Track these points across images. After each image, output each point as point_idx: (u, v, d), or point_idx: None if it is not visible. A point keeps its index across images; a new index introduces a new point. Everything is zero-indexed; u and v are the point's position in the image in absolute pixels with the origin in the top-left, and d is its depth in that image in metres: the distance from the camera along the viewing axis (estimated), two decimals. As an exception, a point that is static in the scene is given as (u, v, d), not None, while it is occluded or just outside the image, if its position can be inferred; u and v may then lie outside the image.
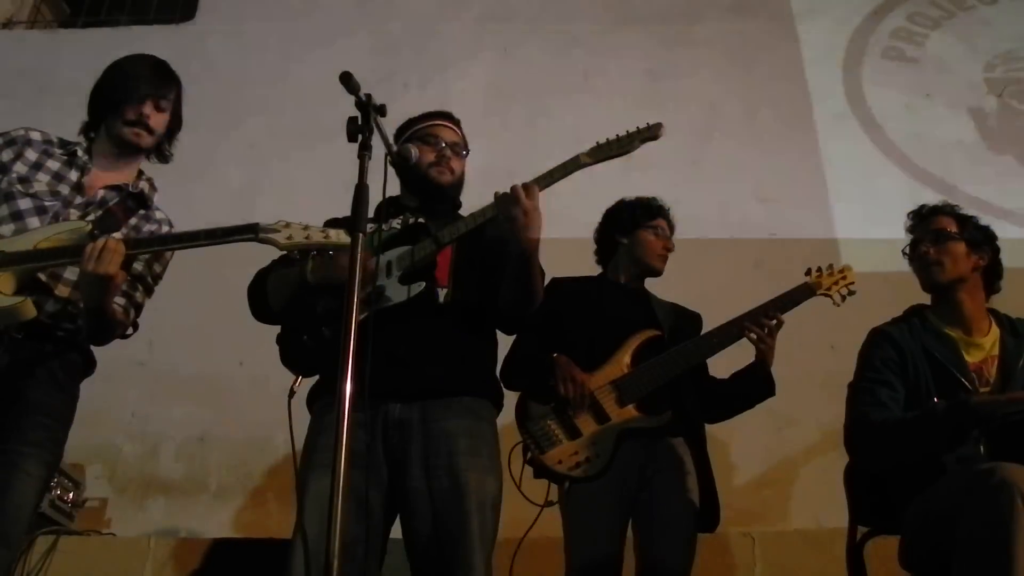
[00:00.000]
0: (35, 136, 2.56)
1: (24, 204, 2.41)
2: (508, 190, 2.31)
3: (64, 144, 2.58)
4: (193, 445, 4.77)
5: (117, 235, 2.45)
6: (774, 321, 2.97)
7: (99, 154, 2.59)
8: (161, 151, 2.70)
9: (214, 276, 4.69)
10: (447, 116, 2.74)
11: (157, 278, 2.65)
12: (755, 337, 2.96)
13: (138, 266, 2.52)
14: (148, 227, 2.61)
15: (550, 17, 6.27)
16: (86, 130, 2.63)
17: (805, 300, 3.09)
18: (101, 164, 2.58)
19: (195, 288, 4.93)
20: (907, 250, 2.81)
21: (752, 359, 3.03)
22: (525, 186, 2.29)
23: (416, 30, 6.21)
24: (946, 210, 2.81)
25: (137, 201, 2.60)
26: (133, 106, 2.53)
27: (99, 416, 4.62)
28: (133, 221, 2.58)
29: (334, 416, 1.74)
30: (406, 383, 2.32)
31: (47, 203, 2.43)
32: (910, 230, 2.83)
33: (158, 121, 2.60)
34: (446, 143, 2.64)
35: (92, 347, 2.55)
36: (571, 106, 5.68)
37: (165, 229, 2.65)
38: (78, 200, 2.49)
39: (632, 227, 3.27)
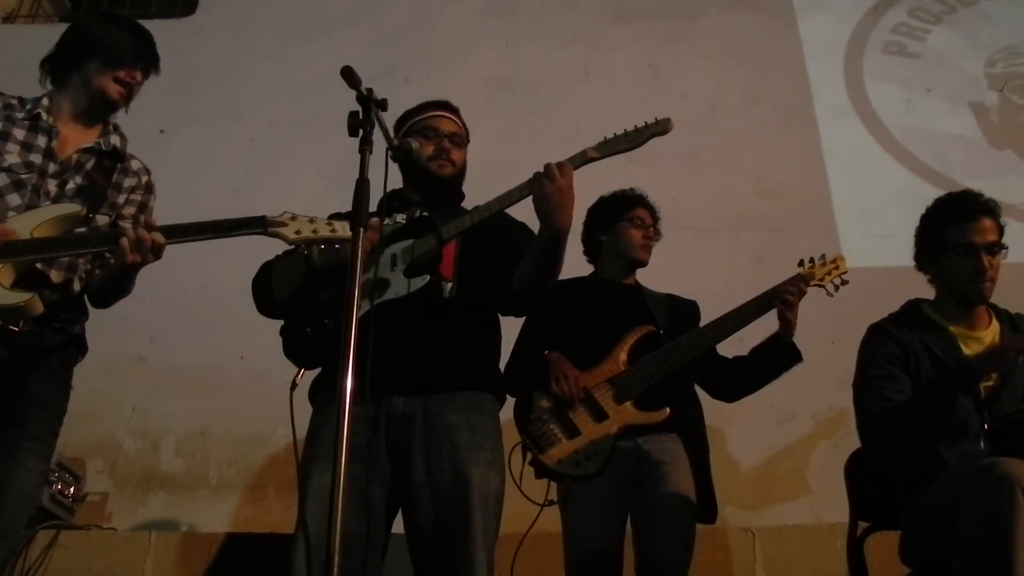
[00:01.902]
0: None
1: (0, 180, 2.37)
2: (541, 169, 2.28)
3: (23, 103, 2.51)
4: (194, 440, 4.78)
5: (105, 205, 2.49)
6: (798, 294, 2.99)
7: (66, 109, 2.53)
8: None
9: (214, 271, 4.71)
10: (445, 106, 2.70)
11: None
12: (785, 308, 2.97)
13: (127, 225, 2.50)
14: (128, 181, 2.59)
15: (551, 10, 6.26)
16: (54, 67, 2.57)
17: None
18: (66, 120, 2.52)
19: (196, 283, 4.95)
20: (954, 244, 2.65)
21: (752, 345, 3.06)
22: (559, 164, 2.27)
23: (417, 23, 6.21)
24: (992, 211, 2.66)
25: (111, 157, 2.57)
26: (130, 69, 2.51)
27: (100, 411, 4.63)
28: (114, 178, 2.55)
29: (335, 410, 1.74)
30: (408, 377, 2.31)
31: (23, 176, 2.38)
32: (953, 220, 2.67)
33: (136, 92, 2.58)
34: (445, 135, 2.61)
35: (89, 338, 2.55)
36: (572, 99, 5.68)
37: (144, 179, 2.64)
38: (52, 168, 2.43)
39: (611, 223, 3.28)
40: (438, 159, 2.58)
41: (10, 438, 2.29)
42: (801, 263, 3.15)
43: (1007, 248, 2.67)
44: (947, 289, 2.72)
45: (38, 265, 2.33)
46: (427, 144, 2.57)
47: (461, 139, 2.66)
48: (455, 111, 2.70)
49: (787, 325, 2.98)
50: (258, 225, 2.23)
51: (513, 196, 2.35)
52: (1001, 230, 2.66)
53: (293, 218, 2.22)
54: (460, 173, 2.65)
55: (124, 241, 2.22)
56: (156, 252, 2.25)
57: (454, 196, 2.66)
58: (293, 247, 2.26)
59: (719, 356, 3.17)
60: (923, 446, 2.49)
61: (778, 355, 3.05)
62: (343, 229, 2.19)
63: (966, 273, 2.64)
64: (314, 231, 2.20)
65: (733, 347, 3.11)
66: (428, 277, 2.38)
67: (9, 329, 2.28)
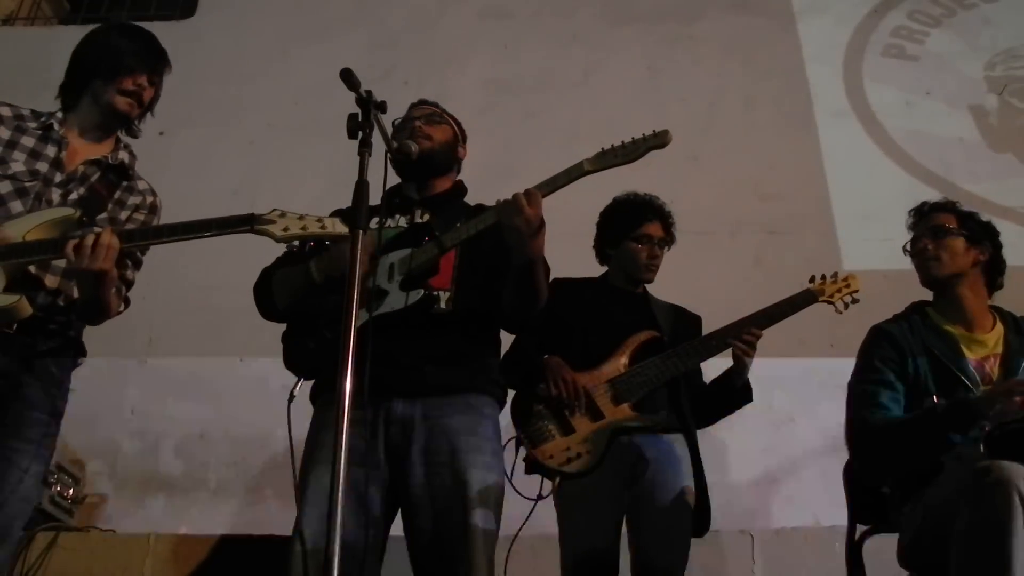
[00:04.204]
0: (5, 112, 2.48)
1: (3, 188, 2.35)
2: (510, 197, 2.26)
3: (36, 116, 2.51)
4: (193, 442, 4.77)
5: (104, 216, 2.45)
6: (754, 338, 2.96)
7: (78, 125, 2.53)
8: (131, 126, 2.63)
9: (214, 273, 4.71)
10: (422, 102, 2.73)
11: (145, 250, 2.59)
12: (742, 350, 2.96)
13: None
14: (132, 199, 2.57)
15: (550, 13, 6.26)
16: (66, 94, 2.56)
17: (806, 306, 3.09)
18: (79, 135, 2.52)
19: (195, 285, 4.95)
20: (908, 247, 2.81)
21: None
22: (527, 193, 2.25)
23: (416, 26, 6.20)
24: (947, 207, 2.82)
25: (118, 173, 2.56)
26: (132, 76, 2.49)
27: (99, 413, 4.63)
28: (117, 195, 2.53)
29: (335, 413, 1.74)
30: (407, 381, 2.31)
31: (27, 184, 2.38)
32: (911, 227, 2.84)
33: (148, 95, 2.55)
34: (416, 117, 2.63)
35: (88, 340, 2.53)
36: (570, 102, 5.68)
37: (150, 200, 2.61)
38: (58, 177, 2.43)
39: (618, 239, 3.26)
40: (413, 137, 2.56)
41: (6, 440, 2.28)
42: (812, 279, 3.15)
43: (965, 233, 2.73)
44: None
45: (32, 269, 2.32)
46: (404, 132, 2.59)
47: (437, 117, 2.66)
48: (433, 104, 2.72)
49: (739, 364, 2.99)
50: (246, 223, 2.20)
51: (490, 219, 2.33)
52: (961, 220, 2.76)
53: (282, 215, 2.19)
54: (442, 148, 2.63)
55: (69, 244, 2.18)
56: (106, 257, 2.19)
57: (452, 187, 2.66)
58: (289, 250, 2.24)
59: (699, 382, 3.17)
60: (909, 468, 2.51)
61: (733, 395, 3.07)
62: (333, 226, 2.16)
63: (915, 260, 2.78)
64: (303, 228, 2.17)
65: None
66: (423, 291, 2.36)
67: (2, 331, 2.26)
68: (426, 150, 2.57)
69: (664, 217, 3.28)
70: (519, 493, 2.69)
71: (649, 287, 3.31)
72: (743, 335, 2.95)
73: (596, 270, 3.37)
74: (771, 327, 3.04)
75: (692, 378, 3.10)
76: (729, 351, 3.01)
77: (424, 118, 2.62)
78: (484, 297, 2.46)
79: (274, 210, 2.21)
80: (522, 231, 2.23)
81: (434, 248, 2.38)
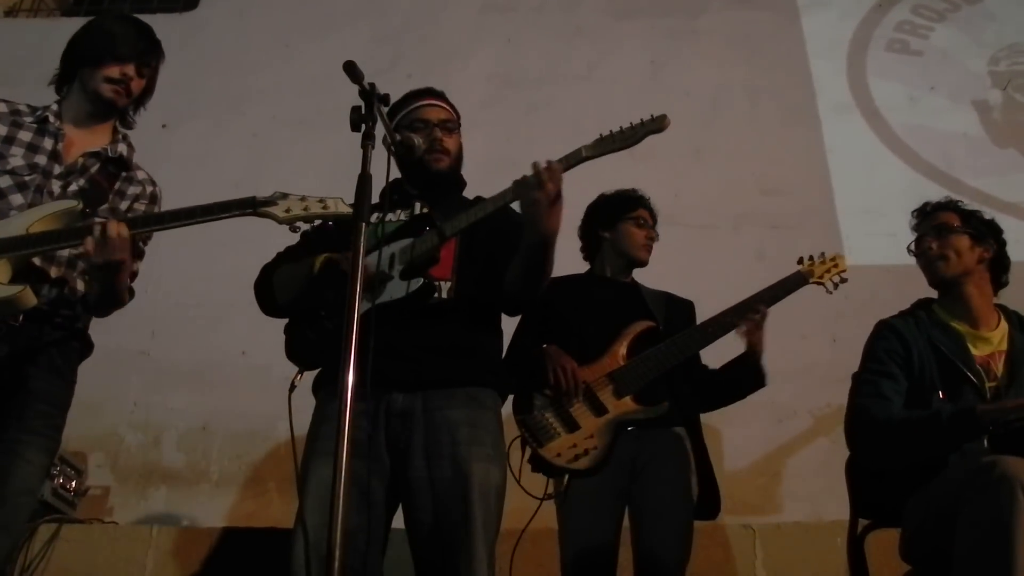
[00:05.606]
0: (1, 108, 2.49)
1: (3, 182, 2.35)
2: (530, 172, 2.23)
3: (33, 110, 2.51)
4: (195, 434, 4.78)
5: (105, 207, 2.45)
6: (758, 315, 2.98)
7: (71, 115, 2.52)
8: (125, 117, 2.63)
9: (216, 266, 4.71)
10: (430, 93, 2.66)
11: (147, 240, 2.61)
12: (745, 330, 2.97)
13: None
14: (132, 189, 2.57)
15: (553, 7, 6.25)
16: (59, 83, 2.56)
17: (798, 288, 3.10)
18: (74, 126, 2.52)
19: (197, 278, 4.95)
20: (912, 247, 2.80)
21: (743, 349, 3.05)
22: (548, 168, 2.21)
23: (419, 19, 6.20)
24: (949, 206, 2.81)
25: (117, 164, 2.55)
26: (118, 64, 2.47)
27: (101, 405, 4.63)
28: (117, 186, 2.53)
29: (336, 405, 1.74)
30: (408, 373, 2.31)
31: (26, 177, 2.37)
32: (915, 228, 2.83)
33: (138, 85, 2.54)
34: (435, 124, 2.57)
35: (93, 333, 2.54)
36: (574, 96, 5.67)
37: (150, 189, 2.61)
38: (57, 169, 2.43)
39: (614, 220, 3.27)
40: (432, 152, 2.54)
41: (10, 432, 2.28)
42: (800, 260, 3.17)
43: (969, 231, 2.72)
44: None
45: (36, 261, 2.32)
46: (419, 137, 2.52)
47: (452, 124, 2.62)
48: (441, 96, 2.67)
49: (751, 346, 3.00)
50: (248, 206, 2.21)
51: (506, 198, 2.31)
52: (965, 218, 2.75)
53: (284, 197, 2.20)
54: (456, 162, 2.62)
55: (88, 239, 2.18)
56: (121, 248, 2.19)
57: (454, 186, 2.65)
58: (291, 245, 2.23)
59: (701, 365, 3.18)
60: (907, 463, 2.52)
61: (745, 378, 3.08)
62: (335, 205, 2.18)
63: (921, 260, 2.76)
64: (305, 209, 2.18)
65: (732, 340, 3.10)
66: (423, 280, 2.36)
67: (8, 323, 2.27)
68: (444, 170, 2.56)
69: (651, 210, 3.32)
70: (527, 492, 2.69)
71: (639, 279, 3.31)
72: (749, 312, 2.96)
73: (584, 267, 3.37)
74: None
75: (693, 364, 3.09)
76: (725, 336, 3.01)
77: (441, 126, 2.58)
78: (484, 286, 2.45)
79: (275, 192, 2.22)
80: (543, 206, 2.21)
81: (435, 237, 2.37)
